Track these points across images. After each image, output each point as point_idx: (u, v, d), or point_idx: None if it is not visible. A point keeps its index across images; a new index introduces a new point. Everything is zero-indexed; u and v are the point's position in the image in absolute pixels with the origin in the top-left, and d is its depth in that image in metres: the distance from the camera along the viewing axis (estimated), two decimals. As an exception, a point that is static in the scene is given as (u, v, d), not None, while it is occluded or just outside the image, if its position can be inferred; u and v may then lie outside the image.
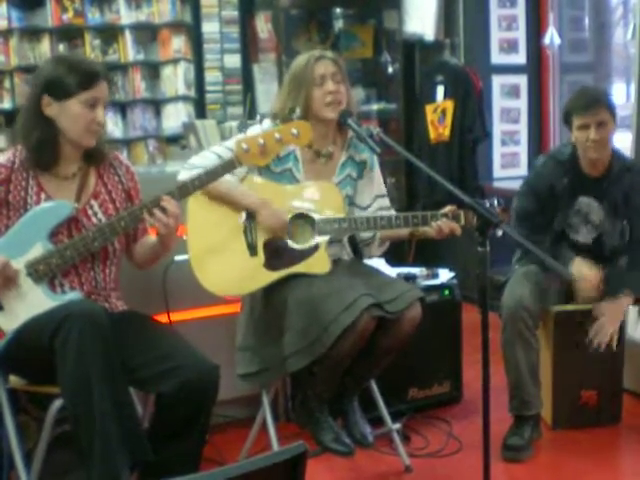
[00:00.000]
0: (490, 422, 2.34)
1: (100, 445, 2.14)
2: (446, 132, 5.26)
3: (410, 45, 5.57)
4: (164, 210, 2.36)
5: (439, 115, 5.30)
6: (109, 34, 5.49)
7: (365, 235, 2.93)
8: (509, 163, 5.54)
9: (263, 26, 5.65)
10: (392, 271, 3.48)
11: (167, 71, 5.63)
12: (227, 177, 2.61)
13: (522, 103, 5.51)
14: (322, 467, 3.01)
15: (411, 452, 3.13)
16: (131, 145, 5.63)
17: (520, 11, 5.43)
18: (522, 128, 5.53)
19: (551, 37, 5.34)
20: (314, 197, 2.79)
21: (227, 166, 2.47)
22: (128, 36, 5.49)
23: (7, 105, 5.29)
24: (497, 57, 5.42)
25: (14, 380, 2.47)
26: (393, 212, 2.93)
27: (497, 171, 5.53)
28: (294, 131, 2.48)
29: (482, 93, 5.21)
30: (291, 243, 2.75)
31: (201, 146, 3.85)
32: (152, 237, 2.60)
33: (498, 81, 5.45)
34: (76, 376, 2.15)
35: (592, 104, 3.07)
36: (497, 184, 5.35)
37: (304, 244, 2.76)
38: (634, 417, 3.42)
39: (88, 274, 2.45)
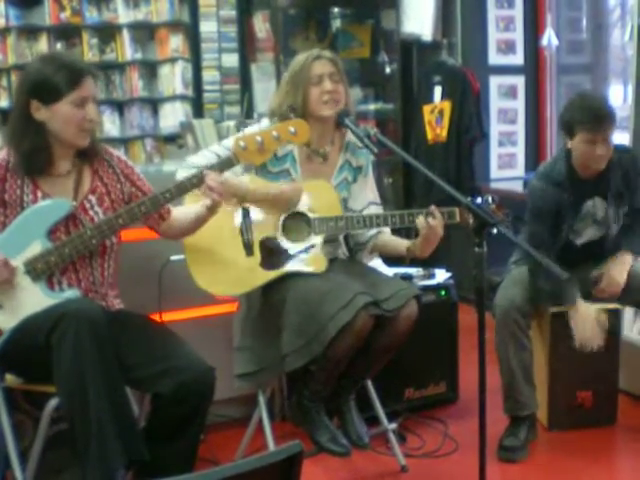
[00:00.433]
0: (486, 422, 2.34)
1: (96, 444, 2.14)
2: (443, 133, 5.26)
3: (408, 45, 5.58)
4: (209, 181, 2.39)
5: (436, 115, 5.30)
6: (107, 33, 5.48)
7: (359, 240, 2.94)
8: (506, 164, 5.54)
9: (261, 25, 5.65)
10: (389, 271, 3.48)
11: (165, 70, 5.62)
12: (227, 174, 2.61)
13: (519, 104, 5.51)
14: (318, 467, 3.01)
15: (407, 452, 3.13)
16: (128, 144, 5.62)
17: (518, 12, 5.43)
18: (519, 129, 5.54)
19: (549, 38, 5.34)
20: (310, 196, 2.79)
21: (225, 164, 2.48)
22: (126, 35, 5.48)
23: (4, 103, 5.28)
24: (494, 58, 5.43)
25: (10, 378, 2.47)
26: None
27: (494, 172, 5.53)
28: (292, 129, 2.48)
29: (479, 94, 5.22)
30: (287, 242, 2.75)
31: (198, 145, 3.85)
32: (192, 208, 2.58)
33: (495, 82, 5.45)
34: (72, 375, 2.15)
35: (601, 121, 3.01)
36: (494, 185, 5.35)
37: (300, 243, 2.76)
38: (629, 418, 3.43)
39: (86, 270, 2.45)
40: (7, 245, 2.35)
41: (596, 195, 3.20)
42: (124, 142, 5.60)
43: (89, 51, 5.39)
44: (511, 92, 5.49)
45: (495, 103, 5.47)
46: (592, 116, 3.02)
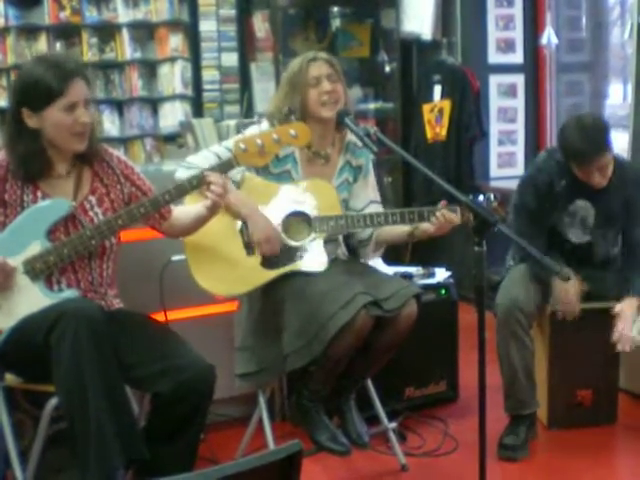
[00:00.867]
0: (486, 421, 2.34)
1: (95, 443, 2.14)
2: (443, 131, 5.26)
3: (407, 44, 5.58)
4: (211, 183, 2.39)
5: (436, 114, 5.30)
6: (106, 32, 5.48)
7: (361, 236, 2.93)
8: (506, 163, 5.54)
9: (260, 25, 5.65)
10: (389, 270, 3.48)
11: (164, 69, 5.62)
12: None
13: (519, 103, 5.51)
14: (318, 466, 3.02)
15: (407, 451, 3.13)
16: (128, 144, 5.62)
17: (517, 11, 5.43)
18: (519, 128, 5.54)
19: (548, 37, 5.34)
20: (310, 195, 2.78)
21: (225, 166, 2.48)
22: (125, 34, 5.48)
23: (3, 103, 5.28)
24: (494, 57, 5.43)
25: (10, 378, 2.47)
26: None
27: (494, 170, 5.53)
28: (292, 132, 2.48)
29: (479, 92, 5.22)
30: (288, 241, 2.75)
31: (198, 145, 3.85)
32: (193, 208, 2.58)
33: (495, 81, 5.45)
34: (71, 374, 2.15)
35: (592, 154, 2.96)
36: (494, 183, 5.35)
37: (301, 242, 2.76)
38: (630, 417, 3.43)
39: (84, 271, 2.45)
40: (6, 245, 2.35)
41: (589, 200, 3.18)
42: (124, 142, 5.60)
43: (89, 50, 5.39)
44: (511, 91, 5.49)
45: (495, 102, 5.47)
46: (583, 150, 2.97)
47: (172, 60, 5.58)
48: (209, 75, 5.69)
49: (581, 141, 2.97)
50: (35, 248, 2.36)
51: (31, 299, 2.35)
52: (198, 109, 5.63)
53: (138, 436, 2.27)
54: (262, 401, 2.88)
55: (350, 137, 2.90)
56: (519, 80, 5.49)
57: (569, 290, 3.14)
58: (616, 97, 5.38)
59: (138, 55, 5.57)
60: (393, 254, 3.49)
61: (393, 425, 3.09)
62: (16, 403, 2.75)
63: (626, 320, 3.11)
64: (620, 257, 3.30)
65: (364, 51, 5.71)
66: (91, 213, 2.46)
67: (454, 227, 2.74)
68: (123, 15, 5.46)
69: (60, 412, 2.29)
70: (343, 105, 2.82)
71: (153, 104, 5.68)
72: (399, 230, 2.85)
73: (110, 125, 5.50)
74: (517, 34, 5.44)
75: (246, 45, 5.75)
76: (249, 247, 2.74)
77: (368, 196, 2.97)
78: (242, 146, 2.44)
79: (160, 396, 2.33)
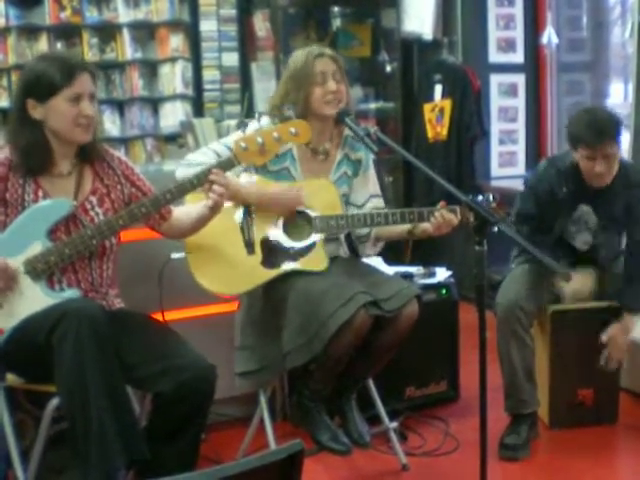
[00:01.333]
0: (487, 421, 2.34)
1: (96, 443, 2.14)
2: (444, 131, 5.26)
3: (408, 44, 5.57)
4: (213, 183, 2.40)
5: (437, 114, 5.30)
6: (107, 32, 5.48)
7: (360, 232, 2.93)
8: (507, 162, 5.54)
9: (261, 24, 5.64)
10: (389, 270, 3.48)
11: (165, 69, 5.62)
12: (228, 174, 2.62)
13: (520, 102, 5.51)
14: (319, 466, 3.02)
15: (408, 451, 3.13)
16: (129, 144, 5.62)
17: (518, 10, 5.43)
18: (520, 127, 5.54)
19: (549, 36, 5.34)
20: (311, 195, 2.78)
21: (225, 164, 2.47)
22: (126, 34, 5.48)
23: (4, 103, 5.28)
24: (495, 56, 5.43)
25: (11, 378, 2.47)
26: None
27: (495, 170, 5.53)
28: (292, 130, 2.48)
29: (480, 92, 5.22)
30: (288, 241, 2.75)
31: (199, 145, 3.85)
32: (194, 208, 2.58)
33: (496, 80, 5.45)
34: (73, 374, 2.15)
35: (600, 138, 2.96)
36: (495, 183, 5.35)
37: (301, 242, 2.76)
38: (631, 416, 3.43)
39: (85, 271, 2.45)
40: (7, 245, 2.35)
41: (592, 205, 3.18)
42: (124, 142, 5.60)
43: (89, 51, 5.39)
44: (511, 90, 5.49)
45: (495, 101, 5.47)
46: (592, 131, 2.97)
47: (173, 60, 5.58)
48: (210, 75, 5.68)
49: (590, 124, 2.99)
50: (36, 248, 2.36)
51: (33, 299, 2.35)
52: (199, 109, 5.63)
53: (139, 436, 2.28)
54: (263, 401, 2.88)
55: (348, 131, 2.90)
56: (520, 79, 5.49)
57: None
58: (617, 96, 5.37)
59: (139, 55, 5.57)
60: (394, 254, 3.50)
61: (394, 425, 3.09)
62: (17, 403, 2.75)
63: (617, 345, 3.17)
64: (623, 259, 3.30)
65: (365, 51, 5.70)
66: (92, 213, 2.46)
67: (454, 227, 2.73)
68: (124, 15, 5.46)
69: (61, 412, 2.30)
70: (345, 105, 2.82)
71: (154, 104, 5.68)
72: (399, 228, 2.86)
73: (111, 125, 5.50)
74: (518, 33, 5.44)
75: (247, 45, 5.75)
76: (249, 246, 2.74)
77: (368, 191, 2.97)
78: (243, 145, 2.44)
79: (161, 396, 2.33)
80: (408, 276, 3.54)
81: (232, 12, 5.69)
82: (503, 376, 3.18)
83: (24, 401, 2.81)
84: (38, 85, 2.34)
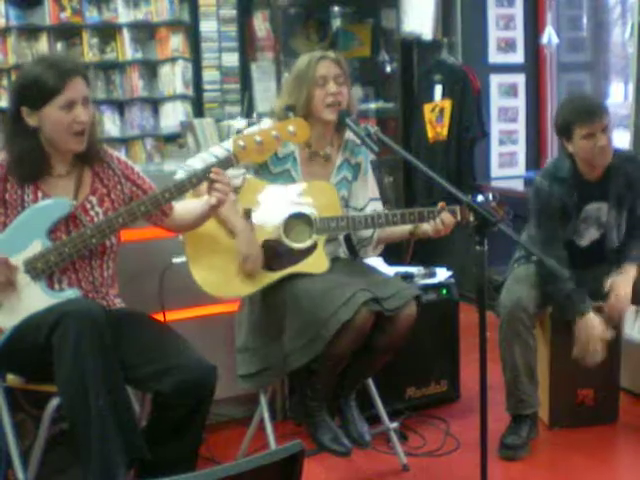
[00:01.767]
0: (487, 421, 2.34)
1: (97, 443, 2.14)
2: (444, 131, 5.26)
3: (408, 44, 5.57)
4: (215, 181, 2.40)
5: (437, 114, 5.30)
6: (107, 33, 5.47)
7: (362, 235, 2.93)
8: (507, 162, 5.54)
9: (261, 25, 5.65)
10: (390, 270, 3.48)
11: (165, 70, 5.62)
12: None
13: (520, 102, 5.51)
14: (319, 466, 3.02)
15: (408, 451, 3.13)
16: (129, 144, 5.61)
17: (518, 10, 5.43)
18: (520, 127, 5.54)
19: (549, 36, 5.34)
20: (311, 196, 2.78)
21: (225, 163, 2.47)
22: (126, 35, 5.48)
23: (4, 104, 5.27)
24: (495, 56, 5.43)
25: (11, 378, 2.47)
26: None
27: (495, 170, 5.53)
28: (291, 128, 2.49)
29: (480, 92, 5.22)
30: (289, 243, 2.75)
31: (199, 145, 3.85)
32: (197, 204, 2.58)
33: (496, 80, 5.45)
34: (73, 374, 2.15)
35: (594, 111, 3.03)
36: (495, 183, 5.35)
37: (302, 243, 2.76)
38: (631, 416, 3.43)
39: (85, 270, 2.45)
40: (7, 244, 2.35)
41: (600, 199, 3.19)
42: (124, 142, 5.59)
43: (89, 51, 5.38)
44: (512, 90, 5.49)
45: (495, 101, 5.47)
46: (585, 109, 3.05)
47: (173, 60, 5.57)
48: (210, 75, 5.68)
49: (582, 101, 3.14)
50: (36, 247, 2.36)
51: (32, 298, 2.35)
52: (199, 109, 5.63)
53: (140, 436, 2.28)
54: (263, 401, 2.88)
55: (349, 135, 2.90)
56: (520, 80, 5.49)
57: (592, 335, 3.08)
58: (617, 96, 5.38)
59: (139, 55, 5.56)
60: (394, 254, 3.49)
61: (394, 425, 3.09)
62: (17, 403, 2.75)
63: (621, 290, 3.11)
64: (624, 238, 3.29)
65: (365, 51, 5.71)
66: (92, 212, 2.46)
67: (454, 227, 2.74)
68: (123, 15, 5.45)
69: (61, 412, 2.30)
70: (346, 106, 2.82)
71: (154, 104, 5.68)
72: (400, 229, 2.86)
73: (111, 125, 5.49)
74: (518, 34, 5.44)
75: (247, 45, 5.75)
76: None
77: (368, 194, 2.98)
78: (241, 143, 2.44)
79: (161, 396, 2.33)
80: (409, 276, 3.54)
81: (232, 12, 5.68)
82: (505, 376, 3.18)
83: (24, 401, 2.81)
84: (30, 93, 2.32)
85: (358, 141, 2.83)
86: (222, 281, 2.73)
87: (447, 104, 5.23)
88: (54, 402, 2.33)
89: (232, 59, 5.71)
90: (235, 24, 5.69)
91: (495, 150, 5.52)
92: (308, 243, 2.76)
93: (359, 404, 2.90)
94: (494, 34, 5.40)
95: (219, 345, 2.96)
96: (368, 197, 2.97)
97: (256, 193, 2.77)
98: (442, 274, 3.66)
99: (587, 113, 3.04)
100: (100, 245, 2.43)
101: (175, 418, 2.34)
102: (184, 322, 3.03)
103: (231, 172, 2.61)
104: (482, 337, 2.30)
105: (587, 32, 5.67)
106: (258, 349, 2.81)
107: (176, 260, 2.86)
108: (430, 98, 5.33)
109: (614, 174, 3.16)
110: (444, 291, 3.59)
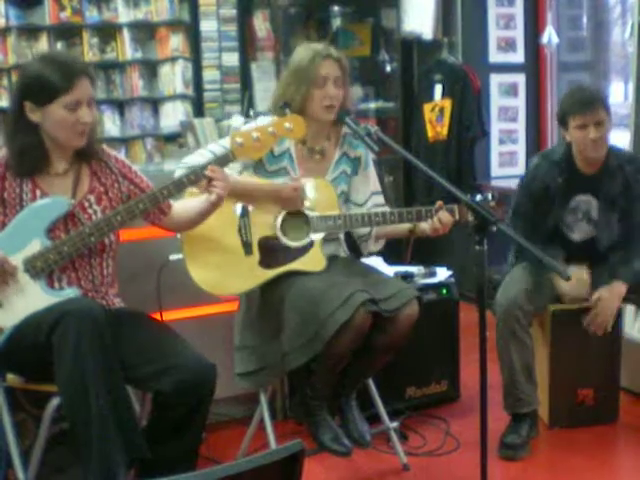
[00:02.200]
0: (487, 420, 2.34)
1: (97, 443, 2.14)
2: (444, 131, 5.26)
3: (408, 44, 5.58)
4: (212, 178, 2.41)
5: (437, 114, 5.30)
6: (107, 32, 5.47)
7: (362, 232, 2.93)
8: (507, 162, 5.54)
9: (261, 24, 5.64)
10: (390, 270, 3.48)
11: (165, 69, 5.62)
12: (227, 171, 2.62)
13: (520, 102, 5.51)
14: (319, 465, 3.02)
15: (409, 451, 3.13)
16: (129, 144, 5.61)
17: (518, 10, 5.43)
18: (520, 127, 5.54)
19: (549, 36, 5.34)
20: (308, 194, 2.78)
21: (222, 160, 2.48)
22: (126, 34, 5.47)
23: (4, 103, 5.27)
24: (495, 56, 5.43)
25: (12, 378, 2.47)
26: (387, 209, 2.92)
27: (495, 170, 5.53)
28: (287, 125, 2.49)
29: (480, 92, 5.21)
30: (286, 241, 2.75)
31: (199, 144, 3.85)
32: (195, 202, 2.58)
33: (496, 80, 5.45)
34: (73, 374, 2.15)
35: (589, 103, 3.06)
36: (495, 183, 5.35)
37: (299, 242, 2.76)
38: (631, 415, 3.43)
39: (85, 269, 2.45)
40: (6, 243, 2.35)
41: (590, 192, 3.19)
42: (124, 142, 5.59)
43: (89, 50, 5.38)
44: (512, 90, 5.49)
45: (496, 101, 5.47)
46: (580, 99, 3.09)
47: (173, 60, 5.57)
48: (210, 75, 5.68)
49: (581, 92, 3.15)
50: (35, 246, 2.36)
51: (32, 297, 2.35)
52: (199, 109, 5.62)
53: (140, 435, 2.28)
54: (263, 400, 2.88)
55: (346, 129, 2.89)
56: (520, 79, 5.49)
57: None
58: (617, 96, 5.38)
59: (139, 55, 5.56)
60: (394, 254, 3.49)
61: (395, 425, 3.09)
62: (18, 403, 2.75)
63: (605, 308, 3.15)
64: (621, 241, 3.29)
65: (365, 50, 5.70)
66: (90, 211, 2.46)
67: (453, 226, 2.73)
68: (124, 15, 5.45)
69: (62, 412, 2.30)
70: (344, 105, 2.81)
71: (154, 104, 5.67)
72: (400, 227, 2.86)
73: (111, 125, 5.49)
74: (518, 33, 5.45)
75: (247, 45, 5.74)
76: (247, 246, 2.74)
77: (369, 188, 2.97)
78: (238, 140, 2.45)
79: (161, 395, 2.33)
80: (409, 276, 3.54)
81: (232, 12, 5.68)
82: (502, 375, 3.19)
83: (24, 401, 2.81)
84: (37, 89, 2.33)
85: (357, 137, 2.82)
86: (220, 279, 2.73)
87: (447, 104, 5.23)
88: (54, 402, 2.33)
89: (232, 59, 5.70)
90: (235, 24, 5.69)
91: (495, 149, 5.52)
92: (305, 241, 2.76)
93: (359, 404, 2.90)
94: (494, 34, 5.41)
95: (218, 344, 2.96)
96: (369, 191, 2.96)
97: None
98: (442, 274, 3.66)
99: (582, 104, 3.07)
100: (99, 243, 2.44)
101: (175, 417, 2.34)
102: (183, 322, 3.03)
103: (228, 169, 2.62)
104: (482, 337, 2.30)
105: (587, 32, 5.67)
106: (256, 347, 2.81)
107: (173, 257, 2.86)
108: (430, 98, 5.33)
109: (611, 173, 3.16)
110: (444, 291, 3.59)
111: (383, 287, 2.69)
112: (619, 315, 3.32)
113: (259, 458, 1.38)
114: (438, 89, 5.29)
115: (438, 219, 2.69)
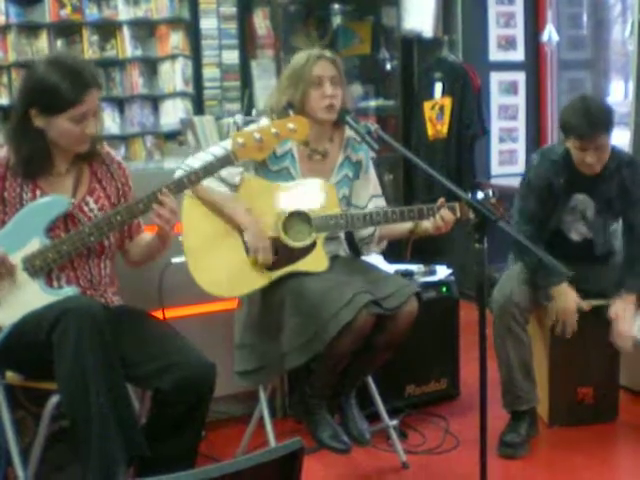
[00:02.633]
0: (487, 419, 2.34)
1: (97, 441, 2.14)
2: (444, 129, 5.26)
3: (408, 42, 5.57)
4: (162, 204, 2.35)
5: (437, 112, 5.30)
6: (107, 30, 5.47)
7: (364, 234, 2.93)
8: (507, 160, 5.54)
9: (261, 22, 5.64)
10: (390, 268, 3.48)
11: (165, 67, 5.62)
12: (220, 189, 2.62)
13: (520, 100, 5.52)
14: (318, 463, 3.02)
15: (408, 449, 3.13)
16: (129, 141, 5.61)
17: (518, 8, 5.44)
18: (520, 125, 5.54)
19: (549, 34, 5.34)
20: (310, 194, 2.78)
21: (223, 161, 2.46)
22: (126, 32, 5.47)
23: (4, 101, 5.27)
24: (495, 54, 5.43)
25: (11, 376, 2.47)
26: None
27: (495, 168, 5.53)
28: (291, 126, 2.48)
29: (480, 90, 5.21)
30: (288, 241, 2.75)
31: (199, 142, 3.84)
32: (147, 235, 2.60)
33: (496, 78, 5.46)
34: (73, 372, 2.15)
35: (592, 130, 2.94)
36: (495, 181, 5.35)
37: (301, 242, 2.76)
38: (630, 414, 3.43)
39: (83, 269, 2.45)
40: (6, 242, 2.35)
41: (587, 192, 3.18)
42: (124, 139, 5.59)
43: (89, 48, 5.38)
44: (512, 88, 5.49)
45: (496, 99, 5.47)
46: (584, 123, 2.95)
47: (173, 58, 5.57)
48: (210, 72, 5.68)
49: (583, 115, 2.96)
50: (34, 245, 2.36)
51: (31, 296, 2.35)
52: (199, 107, 5.62)
53: (139, 433, 2.28)
54: (263, 398, 2.88)
55: (349, 132, 2.90)
56: (520, 77, 5.49)
57: (568, 298, 3.13)
58: (617, 94, 5.38)
59: (139, 53, 5.56)
60: (394, 252, 3.48)
61: (394, 423, 3.09)
62: (17, 401, 2.75)
63: (625, 320, 3.11)
64: (622, 248, 3.29)
65: (365, 48, 5.70)
66: (89, 211, 2.46)
67: (454, 224, 2.73)
68: (123, 13, 5.45)
69: (61, 410, 2.30)
70: (343, 104, 2.81)
71: (154, 102, 5.67)
72: (401, 228, 2.86)
73: (111, 123, 5.49)
74: (518, 31, 5.45)
75: (247, 42, 5.74)
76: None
77: (369, 192, 2.97)
78: (240, 141, 2.43)
79: (161, 393, 2.33)
80: (409, 274, 3.54)
81: (232, 10, 5.68)
82: (500, 373, 3.18)
83: (23, 399, 2.81)
84: (45, 98, 2.31)
85: (358, 138, 2.83)
86: (222, 280, 2.72)
87: (447, 102, 5.23)
88: (54, 399, 2.33)
89: (232, 56, 5.70)
90: (235, 21, 5.69)
91: (495, 148, 5.52)
92: (307, 241, 2.75)
93: (359, 402, 2.90)
94: (494, 32, 5.41)
95: (218, 343, 2.96)
96: (370, 194, 2.97)
97: (255, 192, 2.77)
98: (442, 272, 3.66)
99: (583, 129, 2.95)
100: (98, 245, 2.44)
101: (175, 415, 2.34)
102: (184, 320, 3.03)
103: (230, 170, 2.62)
104: (482, 335, 2.30)
105: (587, 30, 5.67)
106: (256, 346, 2.81)
107: (175, 260, 2.85)
108: (430, 96, 5.33)
109: (608, 176, 3.14)
110: (444, 289, 3.59)
111: (384, 285, 2.69)
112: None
113: (258, 456, 1.38)
114: (438, 87, 5.29)
115: (440, 217, 2.69)
